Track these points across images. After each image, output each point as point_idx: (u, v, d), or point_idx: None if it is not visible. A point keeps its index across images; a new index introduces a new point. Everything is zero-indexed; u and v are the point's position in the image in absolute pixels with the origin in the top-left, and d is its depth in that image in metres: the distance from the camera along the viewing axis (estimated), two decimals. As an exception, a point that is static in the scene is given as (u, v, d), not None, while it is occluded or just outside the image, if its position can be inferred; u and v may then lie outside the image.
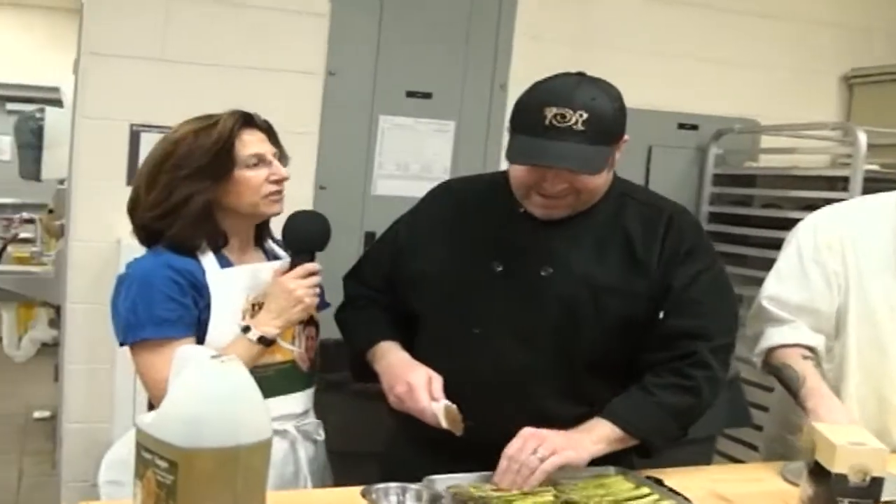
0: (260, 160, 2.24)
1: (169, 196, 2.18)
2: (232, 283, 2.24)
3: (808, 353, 2.45)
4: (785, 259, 2.60)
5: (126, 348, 2.21)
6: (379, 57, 3.82)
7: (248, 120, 2.27)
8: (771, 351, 2.49)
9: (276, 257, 2.41)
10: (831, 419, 2.21)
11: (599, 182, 2.15)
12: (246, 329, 2.19)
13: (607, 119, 2.08)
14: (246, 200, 2.24)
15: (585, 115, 2.03)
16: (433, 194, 2.48)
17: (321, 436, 2.43)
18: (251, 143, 2.24)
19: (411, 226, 2.42)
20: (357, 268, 2.54)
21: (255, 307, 2.26)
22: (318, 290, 2.26)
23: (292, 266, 2.25)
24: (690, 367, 2.11)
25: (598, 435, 2.05)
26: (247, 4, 3.64)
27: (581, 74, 2.15)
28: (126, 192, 2.28)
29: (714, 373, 2.14)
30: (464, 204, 2.35)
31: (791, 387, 2.39)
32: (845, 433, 1.96)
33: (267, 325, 2.19)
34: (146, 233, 2.25)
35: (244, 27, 3.65)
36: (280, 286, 2.22)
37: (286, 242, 2.32)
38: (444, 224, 2.33)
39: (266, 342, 2.19)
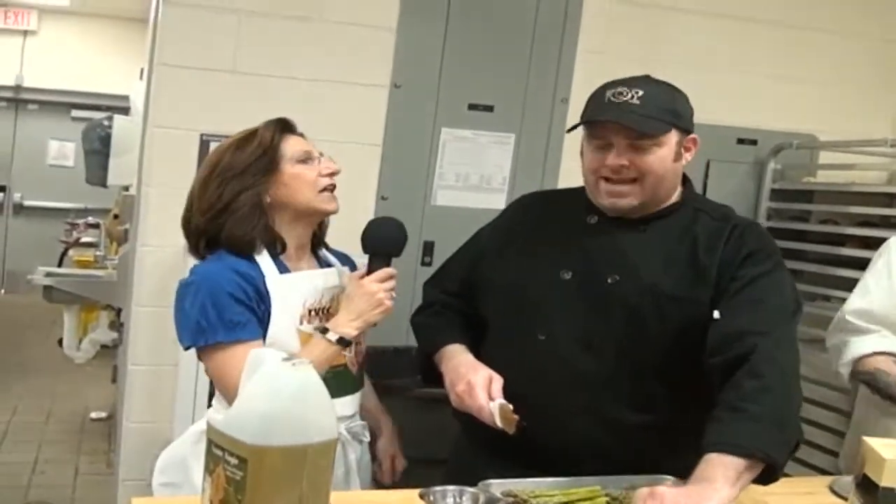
0: (308, 157, 2.31)
1: (220, 196, 2.26)
2: (291, 289, 2.28)
3: None
4: (872, 272, 2.58)
5: (191, 350, 2.26)
6: (443, 70, 3.86)
7: (287, 126, 2.36)
8: (859, 360, 2.48)
9: (328, 265, 2.45)
10: None
11: (664, 166, 2.18)
12: (324, 330, 2.22)
13: (665, 99, 2.18)
14: (301, 196, 2.30)
15: (641, 93, 2.15)
16: (516, 204, 2.55)
17: (367, 437, 2.47)
18: (297, 143, 2.33)
19: (493, 233, 2.48)
20: (437, 273, 2.60)
21: (312, 313, 2.30)
22: (394, 293, 2.29)
23: (370, 269, 2.28)
24: (758, 364, 1.99)
25: (723, 477, 1.86)
26: (317, 18, 3.69)
27: (646, 76, 2.25)
28: (195, 200, 2.34)
29: (782, 365, 2.02)
30: (542, 214, 2.41)
31: (886, 391, 2.39)
32: (895, 448, 1.97)
33: (346, 326, 2.23)
34: (202, 239, 2.32)
35: (314, 41, 3.69)
36: (362, 289, 2.25)
37: (366, 246, 2.34)
38: (522, 232, 2.39)
39: (345, 343, 2.23)
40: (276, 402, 1.58)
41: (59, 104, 10.39)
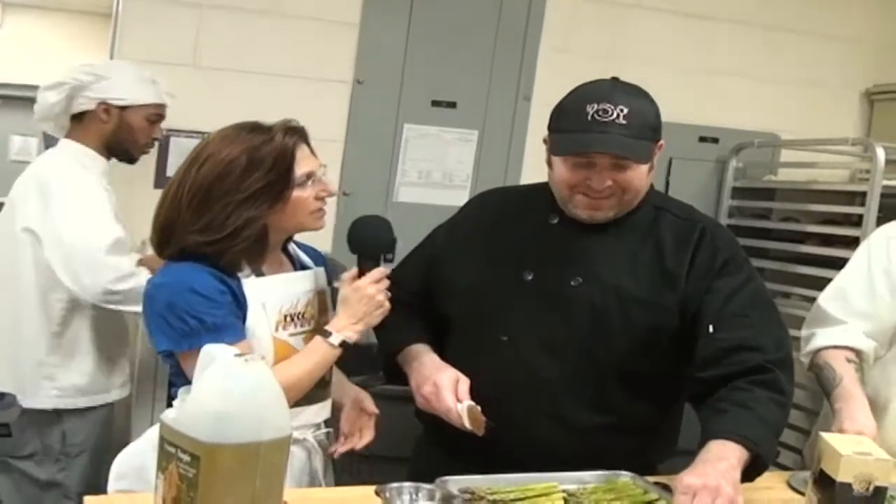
0: (310, 178, 2.18)
1: (225, 221, 2.09)
2: (269, 294, 2.19)
3: (852, 355, 2.45)
4: (853, 265, 2.59)
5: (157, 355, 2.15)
6: (406, 66, 3.88)
7: (303, 136, 2.21)
8: (818, 352, 2.50)
9: (302, 265, 2.36)
10: (851, 422, 2.22)
11: (642, 181, 2.17)
12: (327, 334, 2.16)
13: (648, 115, 2.14)
14: (294, 220, 2.20)
15: (626, 110, 2.08)
16: (473, 202, 2.52)
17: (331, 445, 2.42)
18: (303, 160, 2.18)
19: (449, 232, 2.45)
20: (395, 271, 2.57)
21: (287, 319, 2.22)
22: (388, 293, 2.23)
23: (361, 271, 2.21)
24: (773, 381, 2.05)
25: (735, 460, 1.92)
26: (279, 13, 3.70)
27: (615, 79, 2.20)
28: (154, 196, 2.22)
29: (792, 389, 2.11)
30: (500, 213, 2.38)
31: (826, 387, 2.39)
32: (851, 443, 1.99)
33: (348, 329, 2.16)
34: (184, 252, 2.13)
35: (276, 35, 3.71)
36: (360, 292, 2.17)
37: (354, 248, 2.26)
38: (480, 232, 2.36)
39: (346, 346, 2.17)
40: (229, 398, 1.56)
41: (22, 99, 10.27)
